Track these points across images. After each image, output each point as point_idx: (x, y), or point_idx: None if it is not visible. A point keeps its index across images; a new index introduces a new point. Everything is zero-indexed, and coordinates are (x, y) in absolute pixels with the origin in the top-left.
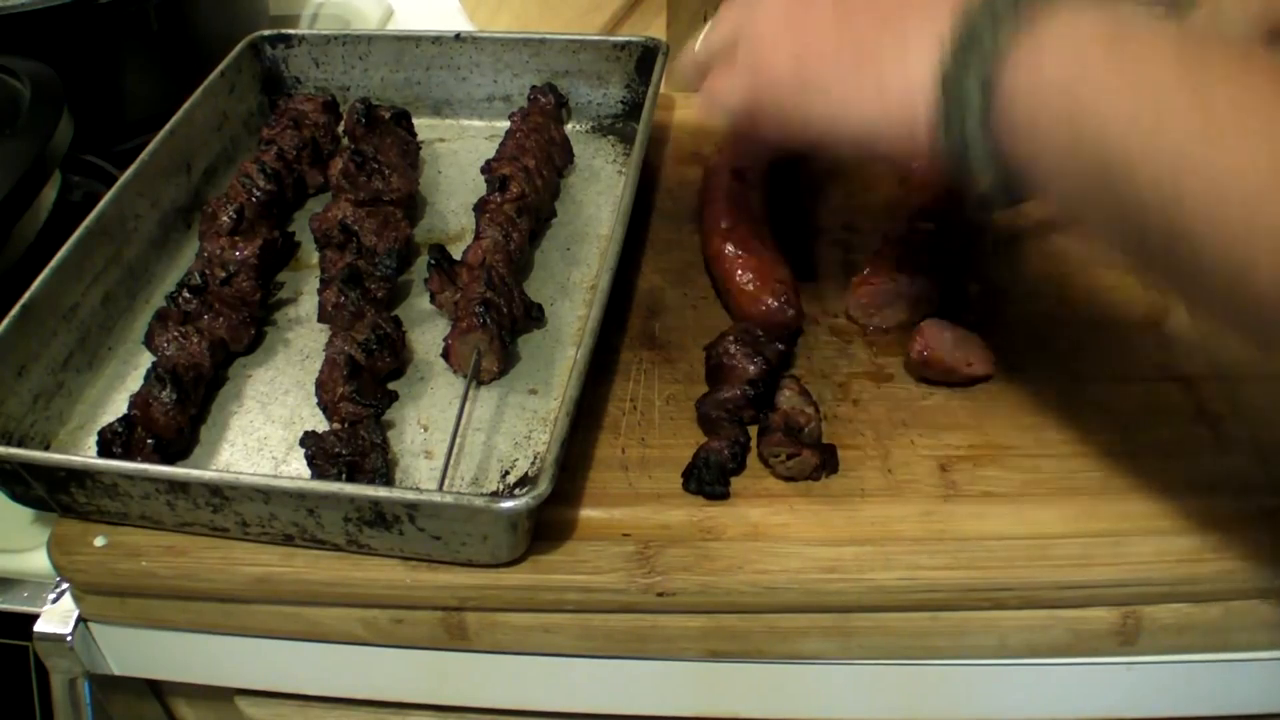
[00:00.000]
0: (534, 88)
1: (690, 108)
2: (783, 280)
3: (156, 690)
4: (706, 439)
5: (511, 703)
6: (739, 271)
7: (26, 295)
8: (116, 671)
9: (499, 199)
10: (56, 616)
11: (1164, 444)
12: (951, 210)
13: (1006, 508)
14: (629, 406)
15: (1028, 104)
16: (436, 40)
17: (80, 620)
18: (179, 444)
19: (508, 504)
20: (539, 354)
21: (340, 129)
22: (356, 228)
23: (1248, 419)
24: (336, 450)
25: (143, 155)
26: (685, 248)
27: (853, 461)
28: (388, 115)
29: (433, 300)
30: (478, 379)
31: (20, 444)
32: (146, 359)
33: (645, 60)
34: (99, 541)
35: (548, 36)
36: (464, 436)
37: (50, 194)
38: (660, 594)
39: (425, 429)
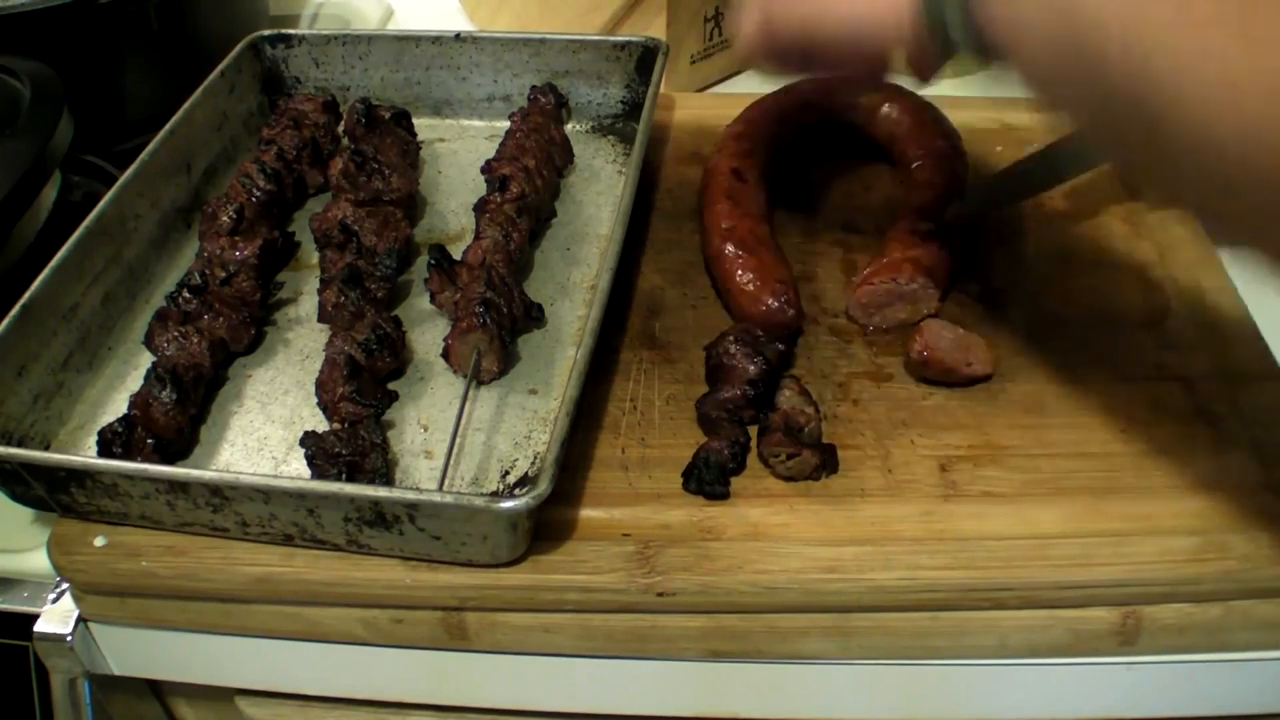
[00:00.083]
0: (534, 88)
1: (690, 108)
2: (783, 280)
3: (156, 690)
4: (706, 439)
5: (511, 703)
6: (739, 271)
7: (26, 295)
8: (116, 671)
9: (499, 199)
10: (56, 616)
11: (1164, 444)
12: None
13: (1006, 508)
14: (629, 406)
15: None
16: (436, 40)
17: (80, 620)
18: (179, 444)
19: (508, 504)
20: (539, 354)
21: (340, 129)
22: (356, 228)
23: (1248, 419)
24: (336, 450)
25: (143, 155)
26: (685, 248)
27: (853, 461)
28: (388, 115)
29: (433, 300)
30: (478, 379)
31: (20, 444)
32: (146, 359)
33: (645, 60)
34: (99, 541)
35: (548, 36)
36: (464, 436)
37: (50, 194)
38: (660, 594)
39: (425, 429)
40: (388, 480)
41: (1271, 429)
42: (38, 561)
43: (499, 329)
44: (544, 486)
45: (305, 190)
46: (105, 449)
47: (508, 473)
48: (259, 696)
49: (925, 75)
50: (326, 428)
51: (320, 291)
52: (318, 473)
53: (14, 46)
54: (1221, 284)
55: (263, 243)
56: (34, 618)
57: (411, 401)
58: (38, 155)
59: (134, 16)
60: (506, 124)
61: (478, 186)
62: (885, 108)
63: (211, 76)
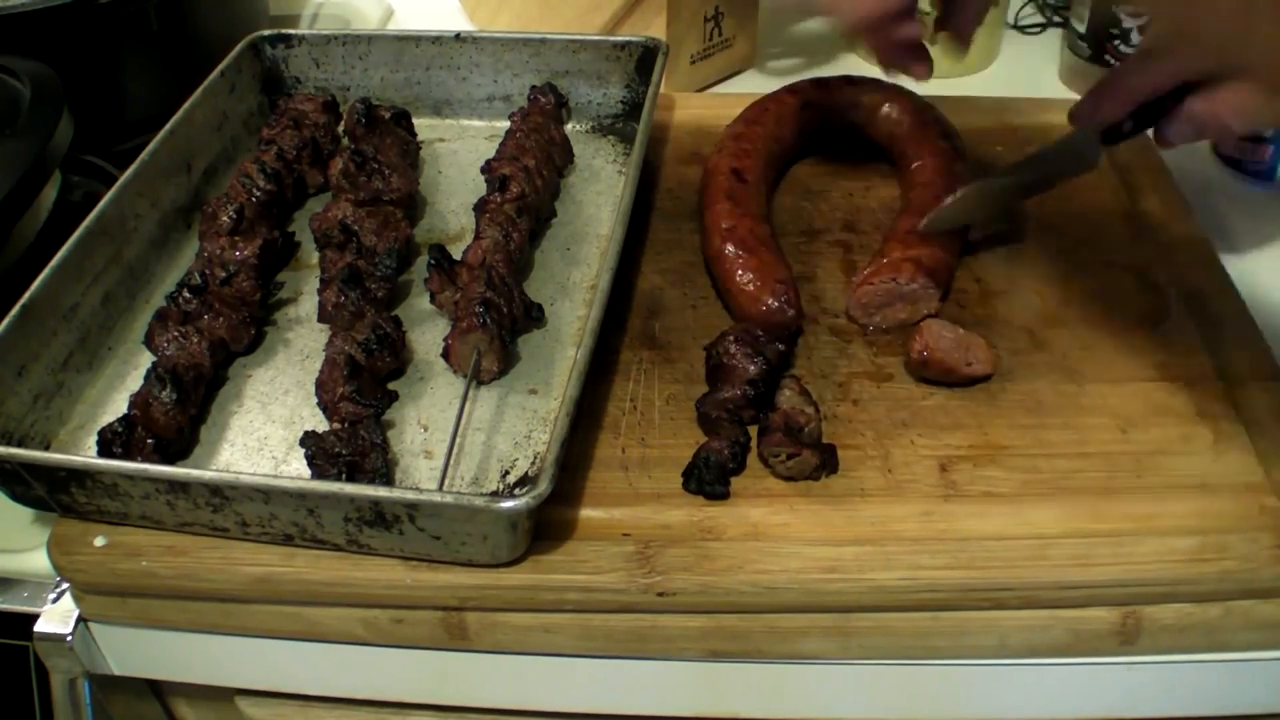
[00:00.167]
0: (534, 88)
1: (690, 108)
2: (783, 280)
3: (156, 690)
4: (706, 439)
5: (511, 703)
6: (739, 271)
7: (26, 295)
8: (116, 671)
9: (499, 199)
10: (56, 616)
11: (1164, 444)
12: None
13: (1006, 508)
14: (629, 406)
15: None
16: (436, 40)
17: (80, 620)
18: (179, 444)
19: (508, 504)
20: (539, 354)
21: (340, 129)
22: (356, 228)
23: (1248, 419)
24: (336, 450)
25: (143, 155)
26: (685, 248)
27: (853, 461)
28: (388, 115)
29: (433, 300)
30: (478, 379)
31: (20, 444)
32: (146, 359)
33: (645, 60)
34: (99, 541)
35: (548, 36)
36: (464, 436)
37: (50, 194)
38: (660, 594)
39: (425, 429)
40: (388, 480)
41: (1271, 429)
42: (38, 561)
43: (499, 329)
44: (544, 486)
45: (305, 190)
46: (105, 449)
47: (508, 473)
48: (259, 696)
49: (965, 31)
50: (326, 428)
51: (320, 291)
52: (318, 473)
53: (14, 46)
54: (1221, 284)
55: (263, 243)
56: (34, 618)
57: (411, 401)
58: (38, 155)
59: (134, 16)
60: (506, 124)
61: (478, 186)
62: (885, 108)
63: (211, 76)
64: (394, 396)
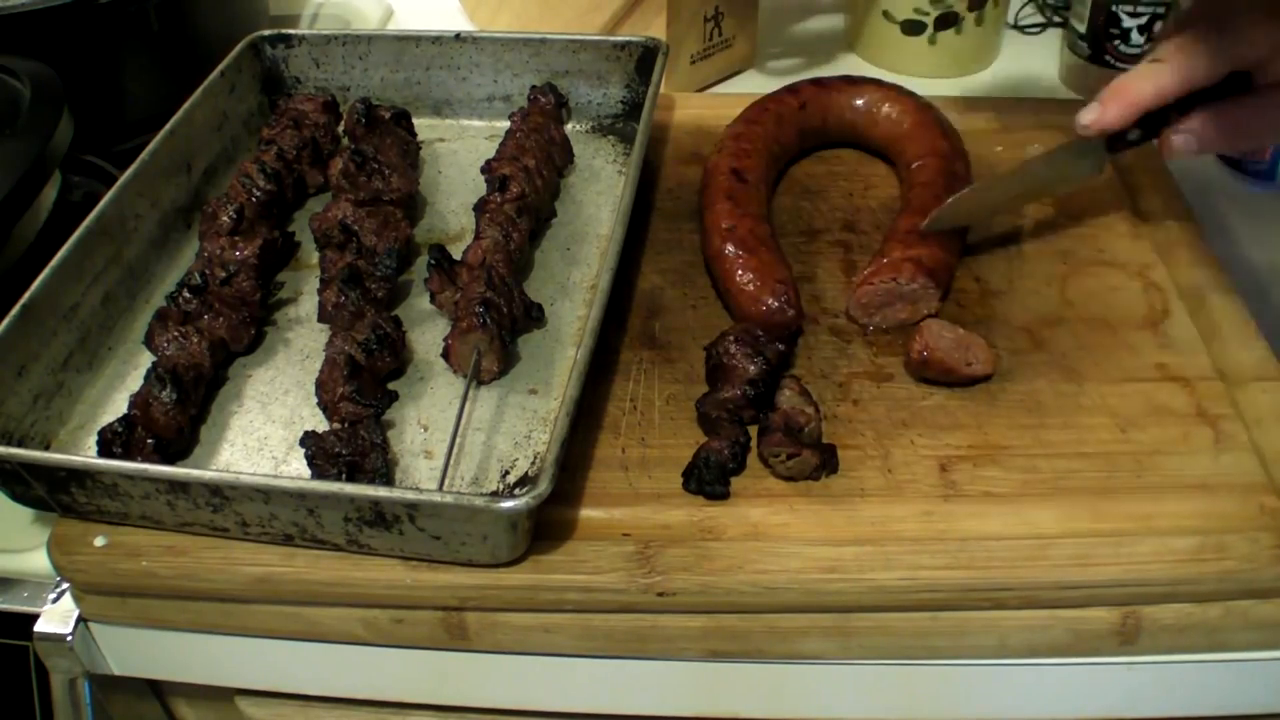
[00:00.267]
0: (534, 88)
1: (690, 108)
2: (783, 280)
3: (156, 690)
4: (706, 439)
5: (511, 703)
6: (739, 271)
7: (26, 295)
8: (116, 671)
9: (499, 199)
10: (56, 616)
11: (1164, 444)
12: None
13: (1006, 508)
14: (629, 406)
15: None
16: (436, 40)
17: (80, 620)
18: (179, 444)
19: (508, 504)
20: (539, 354)
21: (340, 129)
22: (356, 228)
23: (1248, 419)
24: (336, 450)
25: (143, 155)
26: (685, 248)
27: (853, 461)
28: (388, 115)
29: (433, 300)
30: (478, 379)
31: (20, 444)
32: (146, 359)
33: (645, 60)
34: (99, 541)
35: (548, 36)
36: (464, 436)
37: (50, 194)
38: (660, 594)
39: (425, 429)
40: (388, 480)
41: (1271, 429)
42: (38, 561)
43: (499, 329)
44: (544, 486)
45: (305, 190)
46: (105, 449)
47: (508, 473)
48: (259, 696)
49: None
50: (326, 428)
51: (320, 291)
52: (318, 473)
53: (14, 46)
54: (1221, 284)
55: (263, 243)
56: (34, 618)
57: (411, 401)
58: (38, 155)
59: (134, 16)
60: (506, 124)
61: (478, 186)
62: (885, 108)
63: (211, 76)
64: (394, 396)
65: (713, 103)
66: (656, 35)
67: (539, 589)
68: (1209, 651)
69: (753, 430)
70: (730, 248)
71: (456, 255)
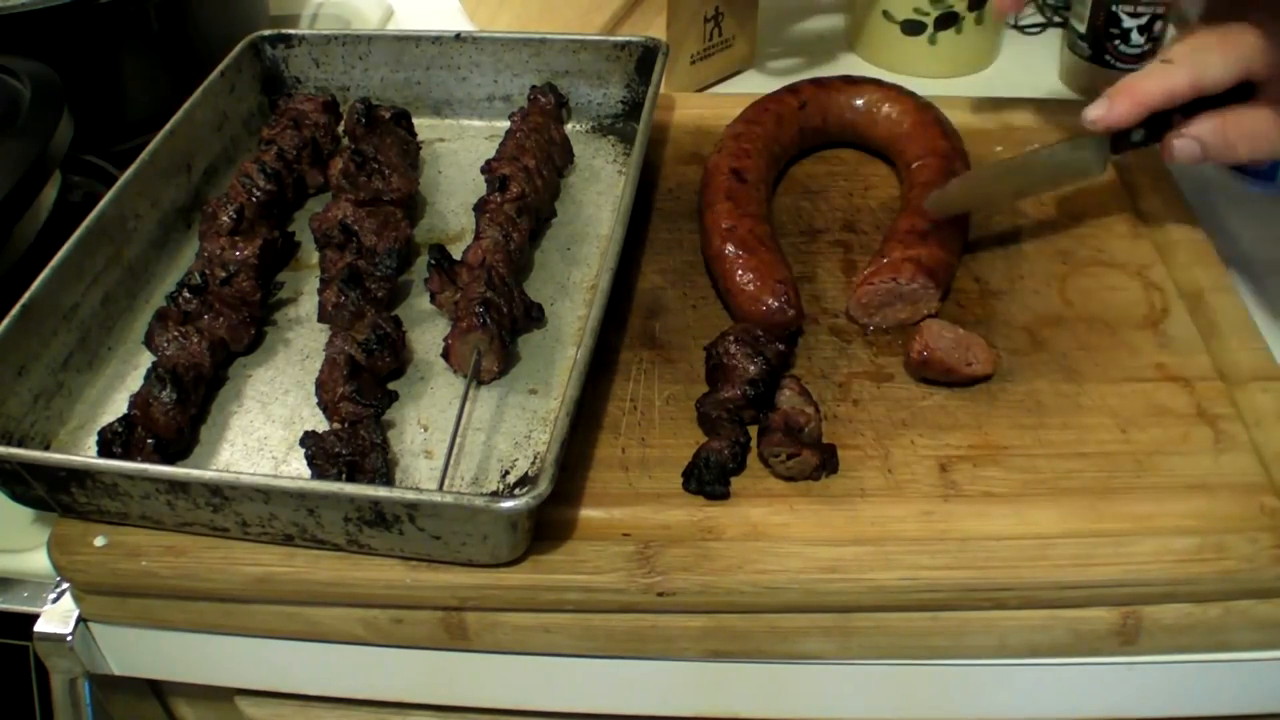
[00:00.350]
0: (534, 88)
1: (690, 108)
2: (783, 280)
3: (156, 690)
4: (706, 439)
5: (511, 703)
6: (739, 271)
7: (26, 295)
8: (116, 671)
9: (499, 199)
10: (56, 616)
11: (1164, 444)
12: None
13: (1006, 508)
14: (629, 406)
15: None
16: (436, 40)
17: (80, 620)
18: (179, 444)
19: (508, 504)
20: (539, 354)
21: (340, 129)
22: (356, 228)
23: (1248, 419)
24: (336, 450)
25: (143, 155)
26: (685, 248)
27: (853, 461)
28: (388, 115)
29: (433, 300)
30: (478, 379)
31: (20, 444)
32: (146, 359)
33: (645, 60)
34: (99, 541)
35: (548, 36)
36: (464, 436)
37: (50, 194)
38: (660, 594)
39: (425, 429)
40: (388, 480)
41: (1271, 429)
42: (38, 561)
43: (499, 329)
44: (544, 486)
45: (305, 190)
46: (105, 449)
47: (508, 473)
48: (259, 696)
49: None
50: (326, 428)
51: (320, 291)
52: (318, 473)
53: (14, 46)
54: (1221, 284)
55: (263, 243)
56: (34, 618)
57: (411, 401)
58: (38, 155)
59: (134, 16)
60: (506, 124)
61: (478, 186)
62: (885, 108)
63: (211, 76)
64: (394, 396)
65: (713, 103)
66: (656, 35)
67: (539, 589)
68: (1209, 651)
69: (753, 430)
70: (730, 248)
71: (456, 255)
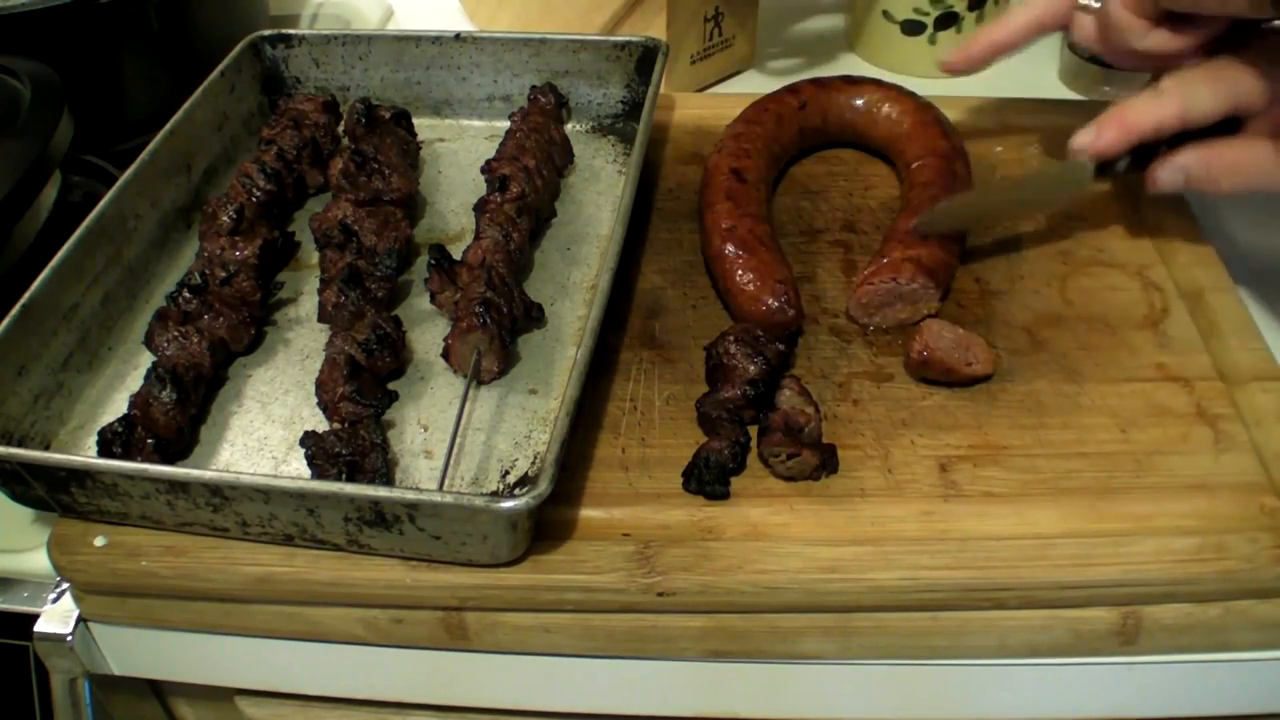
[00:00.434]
0: (534, 88)
1: (690, 108)
2: (783, 280)
3: (156, 690)
4: (706, 439)
5: (511, 703)
6: (739, 271)
7: (26, 295)
8: (116, 671)
9: (499, 199)
10: (56, 616)
11: (1164, 444)
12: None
13: (1006, 508)
14: (629, 406)
15: None
16: (436, 40)
17: (80, 620)
18: (179, 444)
19: (508, 504)
20: (539, 354)
21: (340, 129)
22: (356, 228)
23: (1248, 419)
24: (336, 450)
25: (143, 155)
26: (685, 248)
27: (853, 461)
28: (388, 115)
29: (433, 300)
30: (478, 379)
31: (20, 444)
32: (146, 359)
33: (645, 60)
34: (99, 541)
35: (548, 36)
36: (464, 436)
37: (50, 194)
38: (660, 594)
39: (425, 429)
40: (388, 480)
41: (1271, 429)
42: (38, 561)
43: (499, 329)
44: (544, 486)
45: (305, 190)
46: (105, 449)
47: (508, 473)
48: (259, 696)
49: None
50: (326, 428)
51: (320, 291)
52: (318, 473)
53: (14, 46)
54: (1221, 284)
55: (263, 243)
56: (34, 618)
57: (411, 401)
58: (38, 155)
59: (134, 16)
60: (506, 124)
61: (478, 186)
62: (885, 108)
63: (211, 76)
64: (394, 396)
65: (713, 103)
66: (656, 35)
67: (539, 589)
68: (1209, 651)
69: (753, 430)
70: (730, 248)
71: (456, 255)
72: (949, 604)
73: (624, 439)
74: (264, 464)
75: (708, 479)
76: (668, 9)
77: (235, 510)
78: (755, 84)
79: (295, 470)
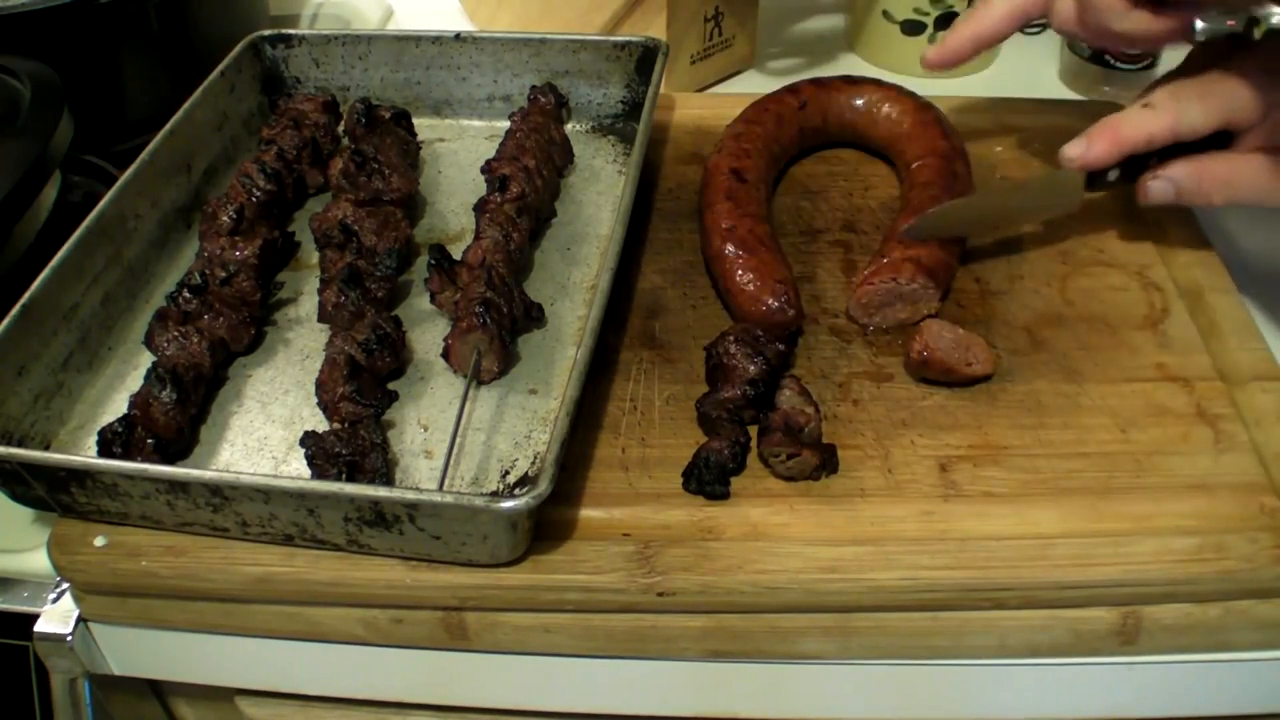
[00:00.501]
0: (534, 88)
1: (690, 108)
2: (783, 280)
3: (156, 690)
4: (706, 439)
5: (511, 703)
6: (739, 271)
7: (26, 295)
8: (116, 671)
9: (499, 199)
10: (56, 616)
11: (1164, 444)
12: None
13: (1006, 508)
14: (629, 406)
15: None
16: (436, 40)
17: (80, 620)
18: (179, 444)
19: (508, 504)
20: (539, 354)
21: (340, 129)
22: (356, 228)
23: (1247, 419)
24: (336, 450)
25: (143, 155)
26: (685, 248)
27: (853, 461)
28: (388, 115)
29: (433, 300)
30: (478, 379)
31: (20, 444)
32: (146, 359)
33: (645, 60)
34: (99, 541)
35: (548, 36)
36: (464, 436)
37: (50, 194)
38: (660, 594)
39: (425, 429)
40: (388, 480)
41: (1271, 429)
42: (38, 561)
43: (499, 329)
44: (544, 486)
45: (305, 190)
46: (105, 449)
47: (508, 473)
48: (259, 696)
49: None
50: (326, 428)
51: (320, 291)
52: (318, 473)
53: (14, 46)
54: (1221, 284)
55: (263, 243)
56: (34, 618)
57: (411, 401)
58: (38, 155)
59: (134, 16)
60: (506, 124)
61: (478, 186)
62: (885, 108)
63: (211, 76)
64: (394, 396)
65: (713, 103)
66: (656, 35)
67: (539, 589)
68: (1209, 651)
69: (753, 430)
70: (730, 248)
71: (456, 255)
72: (949, 604)
73: (624, 439)
74: (264, 464)
75: (708, 479)
76: (668, 9)
77: (235, 510)
78: (755, 84)
79: (295, 470)
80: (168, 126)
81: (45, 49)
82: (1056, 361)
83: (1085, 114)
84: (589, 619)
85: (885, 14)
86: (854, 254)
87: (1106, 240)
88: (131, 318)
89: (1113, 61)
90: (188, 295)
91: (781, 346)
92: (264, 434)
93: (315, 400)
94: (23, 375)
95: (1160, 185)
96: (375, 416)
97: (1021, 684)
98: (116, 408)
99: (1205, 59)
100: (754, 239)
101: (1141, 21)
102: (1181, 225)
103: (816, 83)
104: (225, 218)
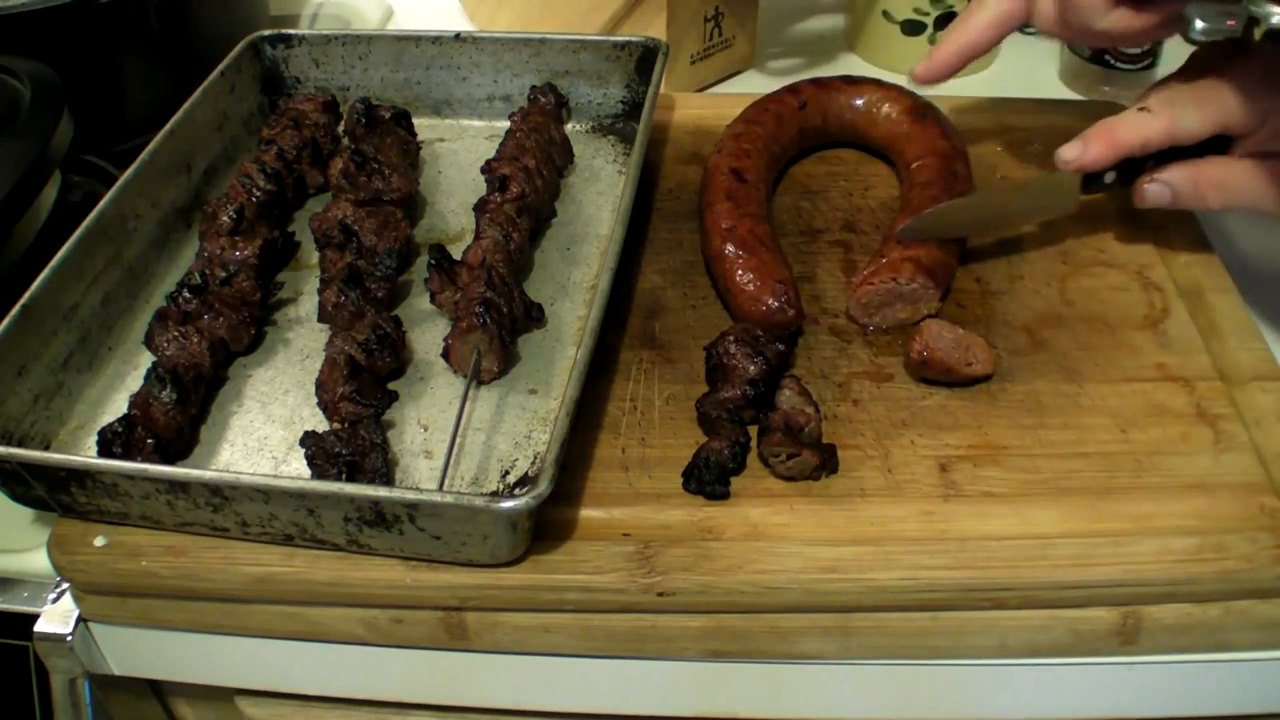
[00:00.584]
0: (534, 88)
1: (690, 108)
2: (783, 280)
3: (156, 690)
4: (706, 439)
5: (511, 703)
6: (739, 271)
7: (26, 295)
8: (116, 671)
9: (499, 199)
10: (56, 616)
11: (1164, 444)
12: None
13: (1006, 508)
14: (629, 406)
15: None
16: (436, 40)
17: (80, 620)
18: (179, 444)
19: (508, 504)
20: (539, 354)
21: (340, 129)
22: (356, 228)
23: (1247, 419)
24: (336, 450)
25: (143, 155)
26: (685, 248)
27: (853, 461)
28: (388, 115)
29: (433, 300)
30: (478, 379)
31: (20, 444)
32: (146, 359)
33: (645, 60)
34: (99, 541)
35: (548, 36)
36: (464, 436)
37: (50, 194)
38: (660, 594)
39: (425, 429)
40: (388, 480)
41: (1271, 429)
42: (38, 561)
43: (499, 329)
44: (544, 486)
45: (305, 190)
46: (105, 449)
47: (508, 473)
48: (259, 696)
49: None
50: (326, 428)
51: (320, 291)
52: (318, 473)
53: (14, 46)
54: (1221, 284)
55: (263, 243)
56: (34, 618)
57: (411, 401)
58: (38, 155)
59: (134, 16)
60: (506, 124)
61: (478, 186)
62: (885, 108)
63: (211, 76)
64: (394, 396)
65: (713, 103)
66: (656, 35)
67: (539, 589)
68: (1209, 651)
69: (753, 430)
70: (730, 248)
71: (456, 255)
72: (949, 604)
73: (624, 439)
74: (264, 464)
75: (708, 479)
76: (668, 9)
77: (235, 510)
78: (755, 84)
79: (295, 470)
80: (168, 126)
81: (45, 49)
82: (1056, 361)
83: (1085, 114)
84: (589, 619)
85: (885, 14)
86: (854, 254)
87: (1106, 240)
88: (131, 318)
89: (1113, 62)
90: (188, 295)
91: (781, 346)
92: (264, 434)
93: (315, 400)
94: (23, 375)
95: (1156, 188)
96: (375, 416)
97: (1021, 684)
98: (116, 408)
99: (1206, 61)
100: (754, 239)
101: (1123, 19)
102: (1182, 225)
103: (816, 83)
104: (225, 218)
